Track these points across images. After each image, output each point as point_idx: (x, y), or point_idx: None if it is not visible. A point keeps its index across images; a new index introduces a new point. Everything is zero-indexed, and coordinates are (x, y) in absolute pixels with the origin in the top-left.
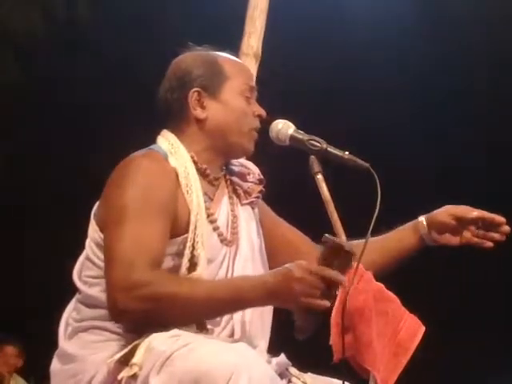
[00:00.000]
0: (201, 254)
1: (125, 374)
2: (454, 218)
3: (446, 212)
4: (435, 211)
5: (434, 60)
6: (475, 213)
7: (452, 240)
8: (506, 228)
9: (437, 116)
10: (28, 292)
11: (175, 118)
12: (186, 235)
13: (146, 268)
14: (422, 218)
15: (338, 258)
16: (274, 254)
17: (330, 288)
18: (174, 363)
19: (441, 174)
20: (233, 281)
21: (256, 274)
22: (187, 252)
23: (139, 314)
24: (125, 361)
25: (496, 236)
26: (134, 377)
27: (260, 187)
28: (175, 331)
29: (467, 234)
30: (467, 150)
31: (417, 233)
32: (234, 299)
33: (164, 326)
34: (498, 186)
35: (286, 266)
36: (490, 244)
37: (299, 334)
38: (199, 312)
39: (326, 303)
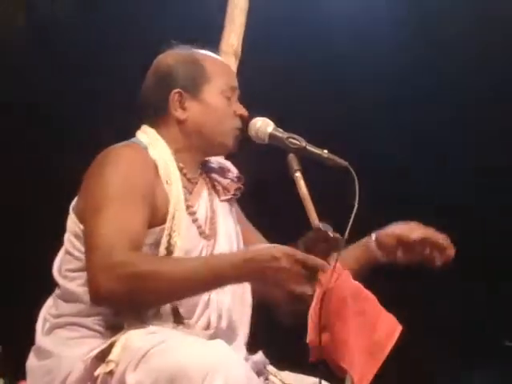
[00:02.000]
0: (177, 242)
1: (101, 370)
2: (396, 240)
3: (388, 234)
4: (383, 231)
5: (418, 58)
6: (416, 234)
7: (401, 258)
8: (450, 252)
9: (420, 117)
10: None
11: (155, 116)
12: (164, 225)
13: (127, 250)
14: (373, 238)
15: (323, 243)
16: None
17: (312, 274)
18: (151, 360)
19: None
20: (214, 258)
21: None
22: (164, 241)
23: (121, 295)
24: (101, 357)
25: (441, 258)
26: (111, 373)
27: (239, 184)
28: (152, 328)
29: (415, 253)
30: (453, 151)
31: (370, 252)
32: (215, 277)
33: (146, 306)
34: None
35: (269, 247)
36: (438, 263)
37: (285, 319)
38: (181, 289)
39: (308, 289)
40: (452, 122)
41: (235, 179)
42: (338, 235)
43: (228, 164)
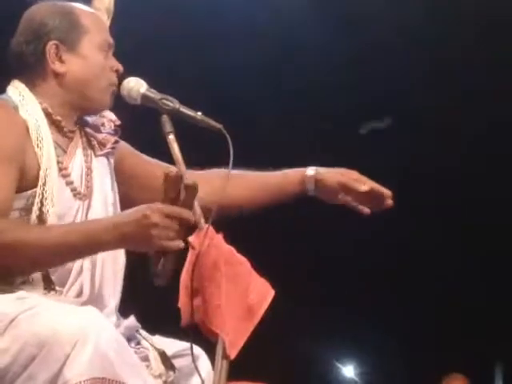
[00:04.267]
0: (49, 210)
1: None
2: (343, 187)
3: (336, 179)
4: (326, 172)
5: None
6: (365, 187)
7: (334, 199)
8: (390, 202)
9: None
10: None
11: (30, 71)
12: (34, 190)
13: None
14: (312, 175)
15: (181, 191)
16: (143, 192)
17: (181, 227)
18: (19, 326)
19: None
20: (85, 224)
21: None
22: (35, 208)
23: None
24: None
25: (380, 206)
26: None
27: (115, 137)
28: (21, 293)
29: (349, 197)
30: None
31: (302, 185)
32: (86, 243)
33: (16, 274)
34: None
35: (138, 207)
36: (367, 211)
37: (158, 280)
38: (51, 258)
39: (180, 244)
40: None
41: (112, 132)
42: (195, 183)
43: (106, 113)
